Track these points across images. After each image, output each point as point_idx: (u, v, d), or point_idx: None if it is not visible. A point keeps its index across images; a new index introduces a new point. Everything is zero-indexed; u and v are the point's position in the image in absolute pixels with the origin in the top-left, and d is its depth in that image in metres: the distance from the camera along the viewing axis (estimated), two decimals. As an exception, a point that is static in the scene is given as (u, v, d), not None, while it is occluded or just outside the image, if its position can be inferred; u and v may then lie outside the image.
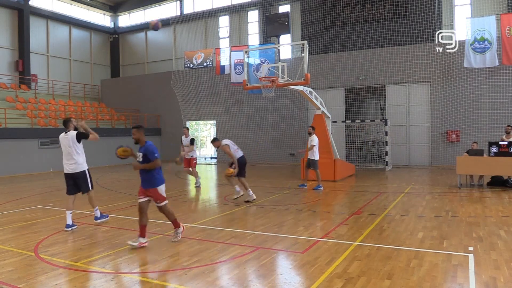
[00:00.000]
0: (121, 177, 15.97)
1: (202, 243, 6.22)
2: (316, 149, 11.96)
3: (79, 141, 7.28)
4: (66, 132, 7.32)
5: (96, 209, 7.72)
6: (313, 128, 12.35)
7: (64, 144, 7.29)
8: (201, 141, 31.14)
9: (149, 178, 6.01)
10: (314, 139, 12.00)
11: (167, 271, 5.01)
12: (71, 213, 7.25)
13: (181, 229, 6.33)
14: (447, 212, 8.27)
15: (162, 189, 6.09)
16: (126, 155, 6.22)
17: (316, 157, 11.99)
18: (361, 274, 4.74)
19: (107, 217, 7.89)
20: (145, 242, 6.00)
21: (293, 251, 5.78)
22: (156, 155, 5.95)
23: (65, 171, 7.34)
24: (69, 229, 7.10)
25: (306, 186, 12.27)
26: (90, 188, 7.53)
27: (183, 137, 12.84)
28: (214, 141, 10.04)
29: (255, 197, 9.82)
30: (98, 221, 7.64)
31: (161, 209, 6.16)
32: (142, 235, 6.01)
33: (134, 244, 5.88)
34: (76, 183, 7.39)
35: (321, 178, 12.34)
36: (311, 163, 12.04)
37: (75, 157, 7.24)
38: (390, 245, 5.91)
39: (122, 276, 4.87)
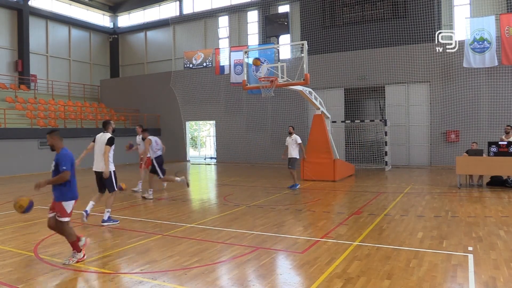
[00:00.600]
0: (121, 178, 15.95)
1: (202, 243, 6.23)
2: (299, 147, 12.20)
3: (109, 144, 7.49)
4: (104, 133, 7.70)
5: (108, 211, 7.67)
6: (293, 127, 12.54)
7: (99, 143, 7.64)
8: (201, 141, 31.16)
9: (59, 190, 5.29)
10: (298, 138, 12.14)
11: (167, 271, 5.01)
12: (94, 203, 7.62)
13: (81, 254, 5.39)
14: (447, 212, 8.28)
15: (69, 204, 5.33)
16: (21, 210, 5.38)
17: (299, 156, 12.17)
18: (360, 274, 4.74)
19: (117, 222, 7.68)
20: (83, 256, 5.42)
21: (293, 251, 5.79)
22: (64, 167, 5.17)
23: (95, 169, 7.66)
24: (86, 217, 7.44)
25: (298, 185, 12.18)
26: (115, 189, 7.75)
27: (137, 137, 12.00)
28: (144, 130, 11.10)
29: (151, 198, 10.62)
30: (105, 224, 7.54)
31: (60, 224, 5.31)
32: (76, 249, 5.39)
33: (68, 262, 5.29)
34: (102, 182, 7.66)
35: (321, 178, 12.32)
36: (292, 162, 12.05)
37: (105, 157, 7.48)
38: (390, 245, 5.91)
39: (122, 276, 4.88)
